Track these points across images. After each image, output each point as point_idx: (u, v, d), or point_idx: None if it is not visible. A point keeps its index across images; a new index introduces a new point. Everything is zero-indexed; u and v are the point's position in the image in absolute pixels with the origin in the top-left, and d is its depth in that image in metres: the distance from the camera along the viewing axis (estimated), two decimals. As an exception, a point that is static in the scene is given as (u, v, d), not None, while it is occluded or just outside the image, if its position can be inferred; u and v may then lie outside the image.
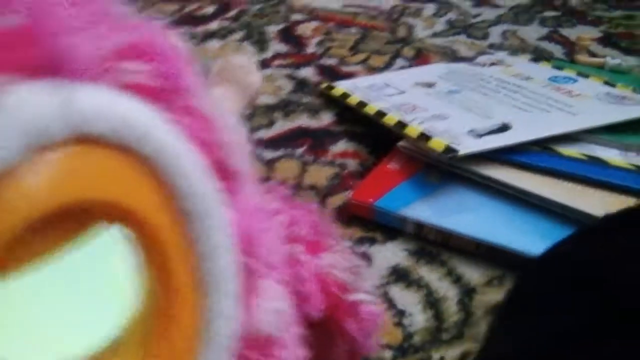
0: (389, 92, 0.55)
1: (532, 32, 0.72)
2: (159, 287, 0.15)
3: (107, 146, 0.13)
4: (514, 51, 0.66)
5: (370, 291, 0.25)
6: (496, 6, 0.80)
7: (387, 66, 0.65)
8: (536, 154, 0.44)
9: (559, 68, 0.59)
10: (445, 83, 0.56)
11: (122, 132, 0.13)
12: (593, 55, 0.66)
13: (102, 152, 0.13)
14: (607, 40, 0.70)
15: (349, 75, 0.62)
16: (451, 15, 0.77)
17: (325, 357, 0.24)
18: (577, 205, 0.40)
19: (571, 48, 0.68)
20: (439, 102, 0.52)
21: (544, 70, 0.59)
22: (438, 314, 0.36)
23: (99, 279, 0.15)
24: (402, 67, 0.64)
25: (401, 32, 0.73)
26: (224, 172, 0.16)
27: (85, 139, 0.13)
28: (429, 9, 0.79)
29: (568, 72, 0.58)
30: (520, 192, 0.42)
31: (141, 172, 0.14)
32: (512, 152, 0.44)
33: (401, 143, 0.47)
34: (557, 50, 0.68)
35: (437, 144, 0.43)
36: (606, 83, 0.55)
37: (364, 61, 0.66)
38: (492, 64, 0.61)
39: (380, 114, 0.50)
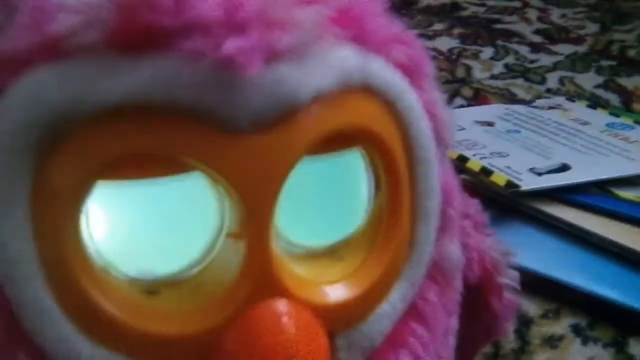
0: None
1: (588, 80, 0.74)
2: (389, 199, 0.21)
3: (377, 96, 0.20)
4: (571, 97, 0.68)
5: (514, 280, 0.28)
6: (553, 53, 0.82)
7: (446, 104, 0.67)
8: (595, 195, 0.46)
9: (616, 115, 0.61)
10: (504, 123, 0.58)
11: (389, 90, 0.20)
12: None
13: (372, 99, 0.19)
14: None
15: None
16: (509, 59, 0.79)
17: (464, 331, 0.26)
18: (634, 246, 0.41)
19: (627, 97, 0.70)
20: (498, 140, 0.54)
21: (601, 116, 0.61)
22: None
23: (345, 184, 0.21)
24: (461, 106, 0.66)
25: (460, 72, 0.76)
26: (438, 138, 0.22)
27: (366, 89, 0.19)
28: (487, 52, 0.82)
29: (625, 120, 0.59)
30: (579, 231, 0.43)
31: (392, 119, 0.20)
32: (572, 192, 0.45)
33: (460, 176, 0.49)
34: (613, 99, 0.69)
35: (499, 178, 0.45)
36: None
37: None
38: (550, 107, 0.63)
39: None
